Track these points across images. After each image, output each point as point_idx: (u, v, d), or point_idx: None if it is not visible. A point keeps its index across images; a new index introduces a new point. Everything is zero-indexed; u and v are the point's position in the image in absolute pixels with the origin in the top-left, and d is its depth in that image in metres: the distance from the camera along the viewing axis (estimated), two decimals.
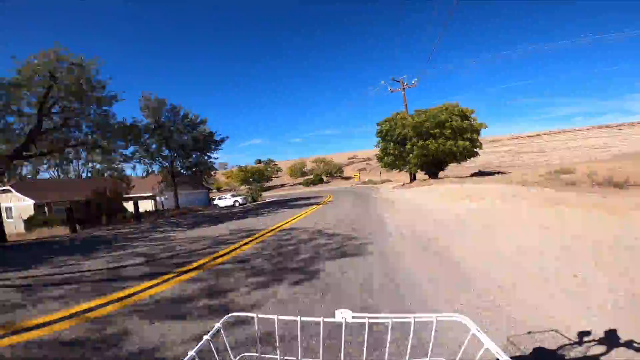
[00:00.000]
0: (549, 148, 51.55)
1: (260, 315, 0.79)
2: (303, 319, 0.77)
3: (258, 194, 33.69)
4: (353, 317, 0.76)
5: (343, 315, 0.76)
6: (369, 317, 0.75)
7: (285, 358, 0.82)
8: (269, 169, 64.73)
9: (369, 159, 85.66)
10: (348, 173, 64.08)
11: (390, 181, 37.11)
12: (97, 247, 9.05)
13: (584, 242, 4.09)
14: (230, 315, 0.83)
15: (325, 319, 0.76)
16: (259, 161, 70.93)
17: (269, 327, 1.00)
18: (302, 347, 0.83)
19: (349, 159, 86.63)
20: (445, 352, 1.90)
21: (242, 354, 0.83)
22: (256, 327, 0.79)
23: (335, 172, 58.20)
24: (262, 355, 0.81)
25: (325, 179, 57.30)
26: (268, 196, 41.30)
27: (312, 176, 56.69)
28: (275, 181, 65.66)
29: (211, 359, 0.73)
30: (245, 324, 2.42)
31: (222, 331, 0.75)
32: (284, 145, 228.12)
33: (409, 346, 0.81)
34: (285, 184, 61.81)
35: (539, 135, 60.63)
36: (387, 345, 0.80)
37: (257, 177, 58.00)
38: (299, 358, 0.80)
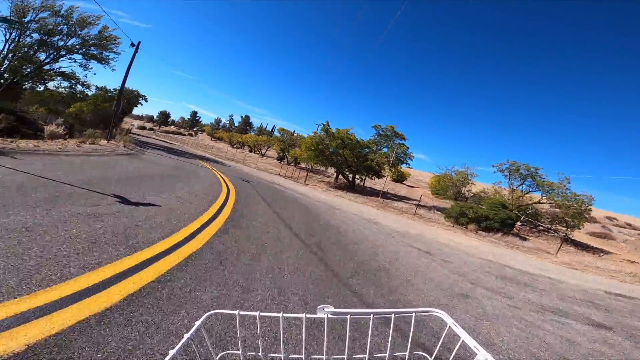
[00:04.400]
0: None
1: (241, 312, 0.74)
2: (285, 315, 0.75)
3: None
4: (334, 314, 0.76)
5: (325, 311, 0.76)
6: (350, 313, 0.76)
7: (268, 355, 0.82)
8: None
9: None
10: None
11: None
12: None
13: None
14: (211, 312, 0.78)
15: (308, 315, 0.76)
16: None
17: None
18: (285, 342, 0.88)
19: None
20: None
21: (224, 352, 0.82)
22: (237, 325, 0.76)
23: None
24: (245, 353, 0.79)
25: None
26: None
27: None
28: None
29: (193, 358, 0.76)
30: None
31: (203, 329, 0.73)
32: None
33: (390, 338, 0.86)
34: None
35: None
36: (369, 339, 0.89)
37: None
38: (282, 354, 0.78)
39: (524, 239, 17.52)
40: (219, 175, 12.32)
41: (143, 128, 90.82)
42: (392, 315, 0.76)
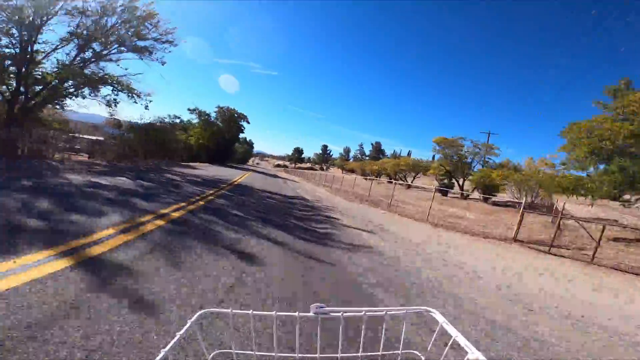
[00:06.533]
0: None
1: (235, 311, 0.74)
2: (278, 314, 0.74)
3: None
4: (327, 313, 0.75)
5: (318, 310, 0.75)
6: (344, 311, 0.75)
7: (261, 354, 0.82)
8: None
9: None
10: None
11: None
12: None
13: None
14: (204, 311, 0.76)
15: (301, 314, 0.75)
16: None
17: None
18: (278, 341, 0.88)
19: None
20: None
21: (217, 351, 0.81)
22: (231, 324, 0.77)
23: None
24: (237, 352, 0.79)
25: None
26: None
27: None
28: None
29: (185, 357, 0.77)
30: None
31: (195, 328, 0.72)
32: None
33: (382, 338, 0.84)
34: None
35: None
36: (362, 338, 0.84)
37: None
38: (275, 353, 0.78)
39: None
40: None
41: (279, 166, 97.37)
42: (385, 313, 0.76)
